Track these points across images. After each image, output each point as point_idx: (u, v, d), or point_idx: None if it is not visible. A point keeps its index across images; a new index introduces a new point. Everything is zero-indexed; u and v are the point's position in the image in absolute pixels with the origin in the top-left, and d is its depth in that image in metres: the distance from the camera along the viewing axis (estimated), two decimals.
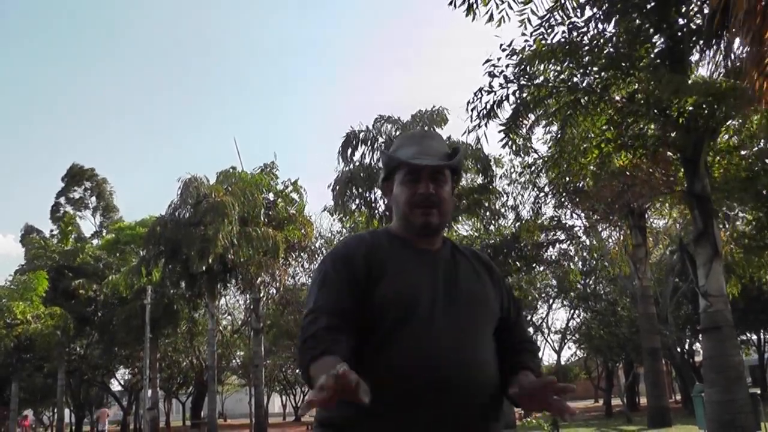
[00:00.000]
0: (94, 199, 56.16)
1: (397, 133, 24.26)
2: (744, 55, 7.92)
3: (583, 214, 24.48)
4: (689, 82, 11.32)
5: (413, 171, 2.35)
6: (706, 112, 11.73)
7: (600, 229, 25.54)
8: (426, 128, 24.63)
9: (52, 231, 52.44)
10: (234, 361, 51.45)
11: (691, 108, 11.91)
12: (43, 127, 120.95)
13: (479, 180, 25.55)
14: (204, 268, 30.20)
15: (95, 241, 49.88)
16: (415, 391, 2.10)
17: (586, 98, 12.85)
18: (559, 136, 14.39)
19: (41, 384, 51.87)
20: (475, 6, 11.84)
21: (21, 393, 45.52)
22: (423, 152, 2.37)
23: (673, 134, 13.11)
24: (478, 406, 2.17)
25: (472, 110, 13.31)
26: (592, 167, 14.89)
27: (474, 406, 2.16)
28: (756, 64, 7.70)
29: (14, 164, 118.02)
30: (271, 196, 34.81)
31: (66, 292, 42.63)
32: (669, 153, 14.53)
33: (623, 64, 12.62)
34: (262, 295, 34.67)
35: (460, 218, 25.81)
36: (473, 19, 11.92)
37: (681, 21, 12.30)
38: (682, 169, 13.68)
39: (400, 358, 2.13)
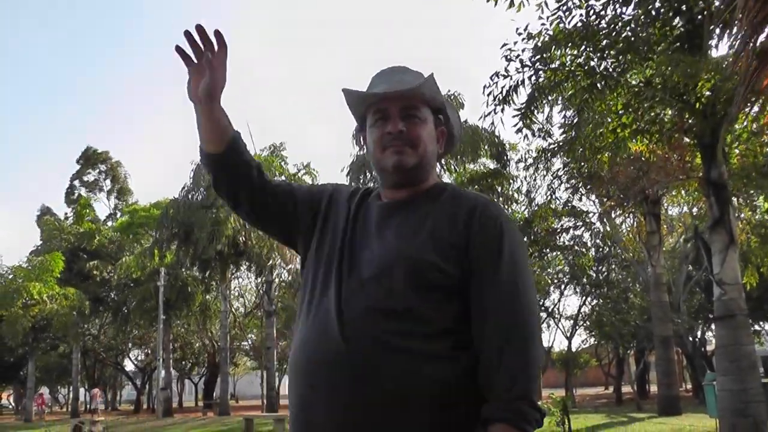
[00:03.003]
0: (108, 182, 56.43)
1: None
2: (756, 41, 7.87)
3: (597, 200, 24.41)
4: (704, 65, 11.18)
5: (381, 110, 2.04)
6: (723, 97, 11.61)
7: (614, 216, 25.42)
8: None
9: (66, 214, 52.76)
10: (246, 343, 51.71)
11: (708, 93, 11.80)
12: (59, 111, 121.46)
13: (492, 165, 25.50)
14: (216, 250, 30.30)
15: (109, 223, 50.20)
16: (295, 374, 1.94)
17: (602, 82, 12.75)
18: (574, 121, 14.30)
19: (56, 363, 52.49)
20: None
21: (37, 372, 45.96)
22: (392, 88, 2.03)
23: (690, 120, 13.00)
24: (370, 400, 1.77)
25: (488, 95, 13.26)
26: (607, 152, 14.80)
27: (361, 401, 1.78)
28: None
29: (29, 147, 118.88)
30: (283, 178, 34.83)
31: (80, 274, 43.06)
32: (686, 138, 14.42)
33: (641, 48, 12.51)
34: (274, 277, 34.74)
35: None
36: (495, 4, 11.89)
37: (701, 3, 12.17)
38: (699, 155, 13.58)
39: (300, 332, 1.99)
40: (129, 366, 56.86)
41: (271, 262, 32.42)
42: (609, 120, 13.26)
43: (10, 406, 64.92)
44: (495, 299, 1.86)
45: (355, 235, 2.02)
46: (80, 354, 45.35)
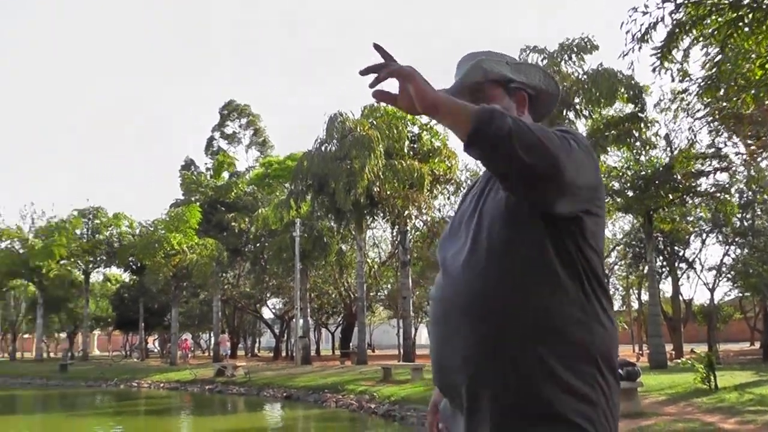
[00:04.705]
0: (248, 134, 58.10)
1: (544, 62, 23.61)
2: None
3: (741, 142, 23.25)
4: None
5: None
6: None
7: (760, 159, 24.17)
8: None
9: (206, 164, 54.72)
10: (381, 293, 52.39)
11: None
12: (200, 66, 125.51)
13: (628, 109, 24.67)
14: (351, 201, 30.67)
15: (247, 176, 51.74)
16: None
17: (750, 15, 12.05)
18: (718, 58, 13.60)
19: (198, 310, 55.05)
20: None
21: (180, 318, 48.22)
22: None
23: None
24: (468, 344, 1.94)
25: (626, 33, 12.82)
26: (753, 90, 14.04)
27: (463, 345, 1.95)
28: None
29: (173, 102, 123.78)
30: (415, 129, 34.82)
31: (219, 225, 44.78)
32: None
33: None
34: (408, 227, 34.93)
35: (608, 149, 24.96)
36: None
37: None
38: None
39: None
40: (267, 314, 58.75)
41: (406, 212, 32.59)
42: (755, 56, 12.55)
43: (156, 350, 68.90)
44: None
45: (469, 207, 2.18)
46: (220, 302, 47.19)
